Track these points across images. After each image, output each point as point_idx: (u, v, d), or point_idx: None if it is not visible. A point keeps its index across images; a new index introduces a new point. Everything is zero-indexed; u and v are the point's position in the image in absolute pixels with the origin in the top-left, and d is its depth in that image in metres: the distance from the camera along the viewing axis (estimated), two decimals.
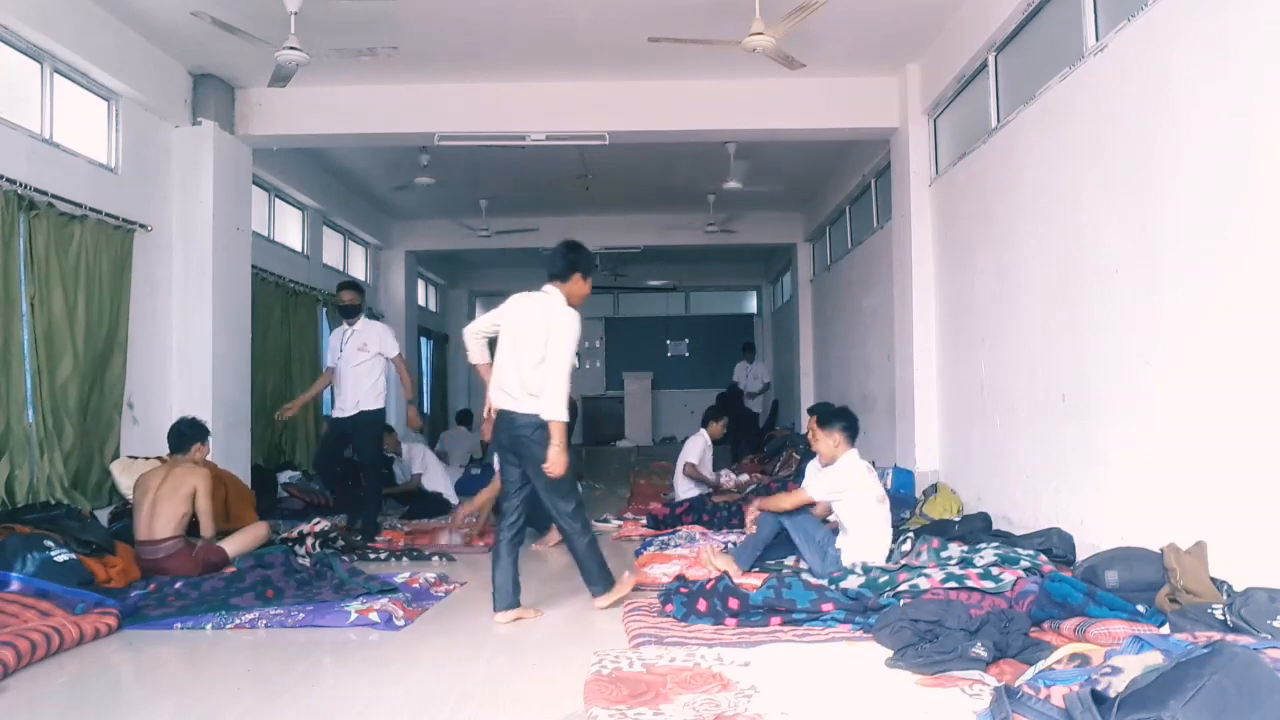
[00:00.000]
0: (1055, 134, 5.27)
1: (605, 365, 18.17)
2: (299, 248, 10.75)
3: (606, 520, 7.42)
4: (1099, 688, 2.30)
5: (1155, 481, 4.23)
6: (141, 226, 6.90)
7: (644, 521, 7.29)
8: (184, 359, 7.37)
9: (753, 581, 4.48)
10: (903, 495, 7.14)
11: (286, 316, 9.83)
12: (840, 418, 5.06)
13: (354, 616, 4.21)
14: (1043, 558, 4.53)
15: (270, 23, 5.92)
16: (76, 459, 6.10)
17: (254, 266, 8.41)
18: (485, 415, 4.52)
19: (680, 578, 4.88)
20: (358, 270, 12.80)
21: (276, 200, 10.15)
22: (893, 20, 6.74)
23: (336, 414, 6.94)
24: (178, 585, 4.69)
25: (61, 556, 4.49)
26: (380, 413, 7.02)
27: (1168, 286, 4.13)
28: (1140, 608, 3.50)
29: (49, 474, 5.77)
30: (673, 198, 12.27)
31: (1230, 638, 2.83)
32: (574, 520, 4.39)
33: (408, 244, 13.87)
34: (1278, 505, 3.43)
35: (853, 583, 4.38)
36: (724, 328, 18.50)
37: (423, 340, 15.61)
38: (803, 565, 5.05)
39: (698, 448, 8.08)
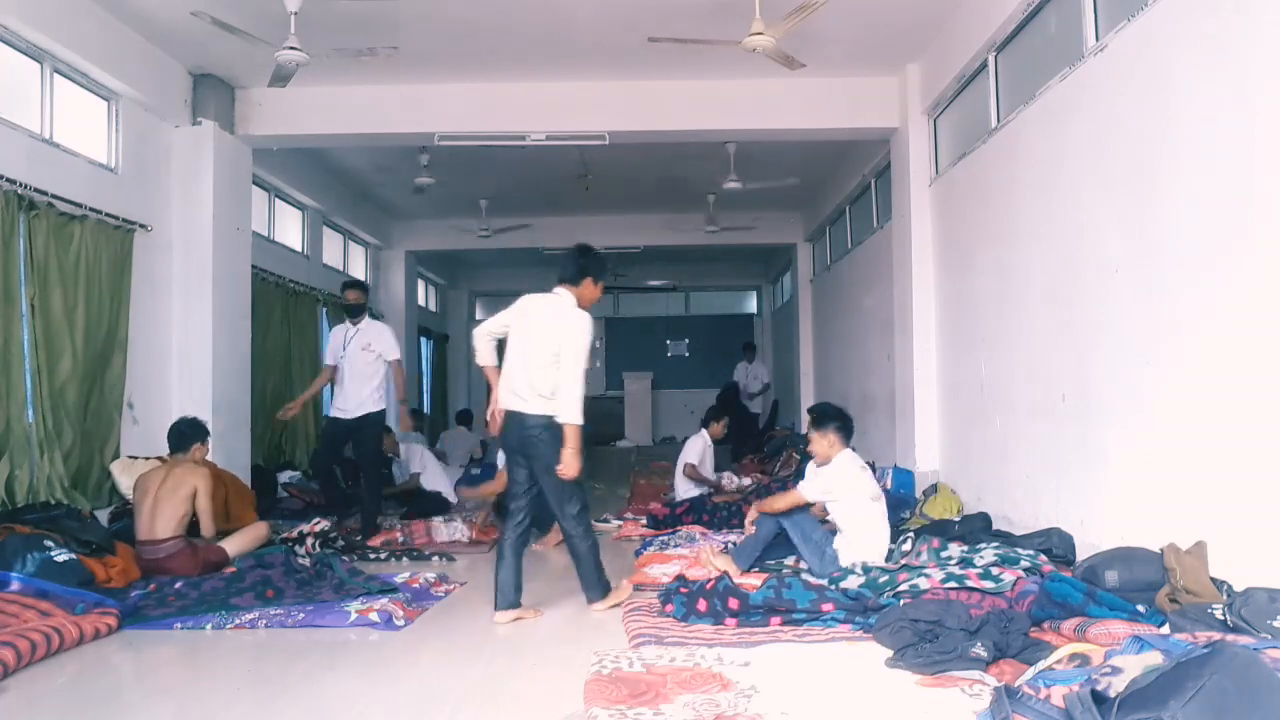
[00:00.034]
0: (1055, 134, 5.27)
1: (605, 365, 18.18)
2: (299, 248, 10.75)
3: (606, 520, 7.41)
4: (1099, 688, 2.30)
5: (1155, 481, 4.23)
6: (141, 226, 6.90)
7: (644, 521, 7.29)
8: (184, 359, 7.37)
9: (753, 581, 4.48)
10: (903, 495, 7.14)
11: (286, 316, 9.83)
12: (835, 418, 5.07)
13: (354, 616, 4.21)
14: (1043, 558, 4.54)
15: (270, 23, 5.92)
16: (76, 459, 6.10)
17: (254, 266, 8.42)
18: (490, 415, 4.51)
19: (680, 578, 4.88)
20: (358, 270, 12.80)
21: (276, 200, 10.15)
22: (893, 20, 6.74)
23: (337, 414, 6.88)
24: (178, 585, 4.69)
25: (61, 556, 4.49)
26: (382, 414, 7.02)
27: (1168, 286, 4.13)
28: (1140, 608, 3.50)
29: (49, 474, 5.77)
30: (673, 198, 12.27)
31: (1230, 638, 2.83)
32: (579, 524, 4.39)
33: (408, 244, 13.87)
34: (1278, 505, 3.43)
35: (853, 583, 4.38)
36: (724, 328, 18.49)
37: (423, 340, 15.61)
38: (803, 565, 5.05)
39: (698, 448, 8.08)
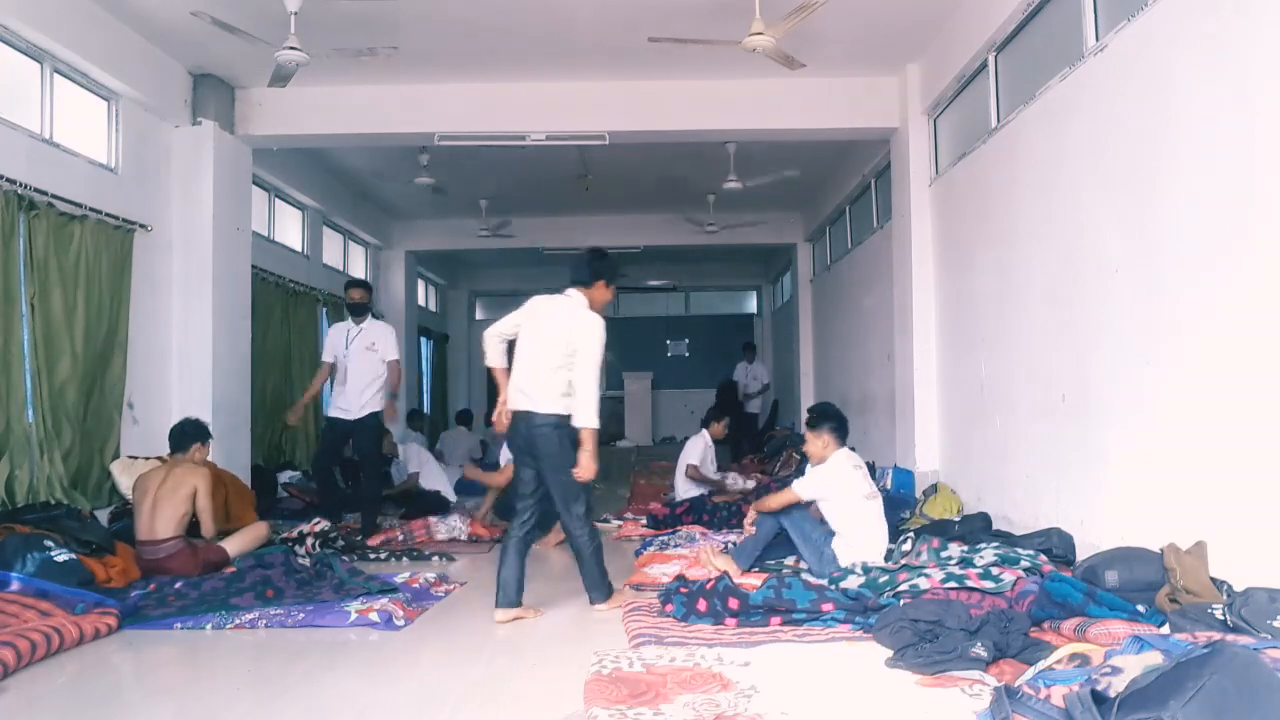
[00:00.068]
0: (1055, 134, 5.27)
1: (605, 365, 18.19)
2: (299, 248, 10.76)
3: (606, 520, 7.41)
4: (1099, 688, 2.30)
5: (1155, 481, 4.23)
6: (141, 226, 6.90)
7: (644, 521, 7.28)
8: (184, 359, 7.37)
9: (753, 581, 4.48)
10: (903, 495, 7.14)
11: (286, 316, 9.84)
12: (828, 419, 5.08)
13: (354, 616, 4.21)
14: (1043, 558, 4.53)
15: (270, 23, 5.92)
16: (76, 459, 6.10)
17: (254, 266, 8.42)
18: (497, 414, 4.51)
19: (680, 578, 4.88)
20: (358, 270, 12.80)
21: (276, 200, 10.15)
22: (893, 20, 6.74)
23: (339, 414, 6.81)
24: (178, 585, 4.68)
25: (61, 556, 4.49)
26: (382, 414, 7.02)
27: (1168, 286, 4.13)
28: (1140, 608, 3.50)
29: (49, 474, 5.77)
30: (673, 198, 12.28)
31: (1230, 638, 2.83)
32: (584, 525, 4.39)
33: (408, 244, 13.88)
34: (1278, 505, 3.43)
35: (853, 583, 4.38)
36: (724, 328, 18.50)
37: (423, 340, 15.61)
38: (803, 565, 5.05)
39: (698, 449, 8.08)
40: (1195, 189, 3.94)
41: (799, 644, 3.63)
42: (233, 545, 5.23)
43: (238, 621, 4.22)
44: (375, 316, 7.20)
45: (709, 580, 4.29)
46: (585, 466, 4.27)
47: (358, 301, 6.94)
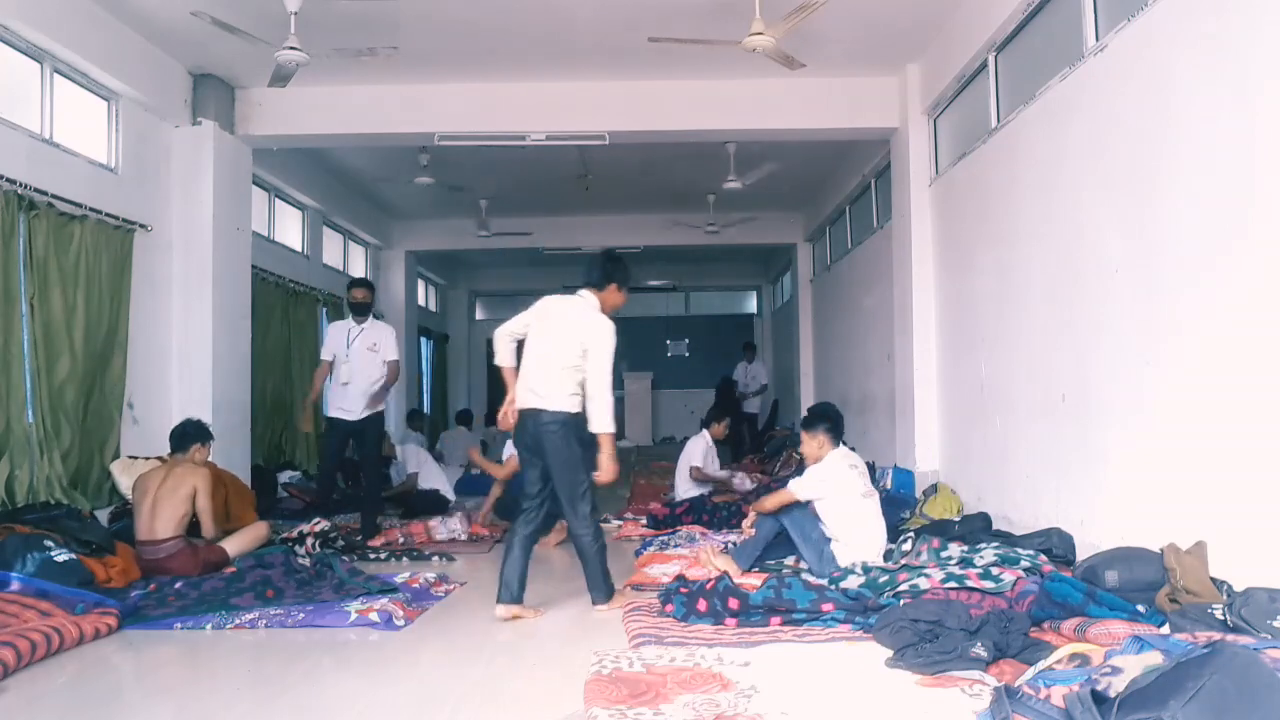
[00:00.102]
0: (1055, 134, 5.27)
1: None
2: (299, 248, 10.76)
3: (607, 520, 7.41)
4: (1099, 688, 2.30)
5: (1155, 481, 4.23)
6: (141, 226, 6.90)
7: (644, 521, 7.28)
8: (184, 359, 7.37)
9: (753, 581, 4.48)
10: (903, 495, 7.14)
11: (286, 316, 9.84)
12: (823, 419, 5.09)
13: (354, 616, 4.20)
14: (1043, 558, 4.54)
15: (270, 23, 5.93)
16: (76, 459, 6.10)
17: (254, 266, 8.42)
18: (503, 411, 4.52)
19: (680, 578, 4.88)
20: (357, 270, 12.80)
21: (276, 200, 10.15)
22: (893, 20, 6.74)
23: (341, 415, 6.74)
24: (178, 585, 4.68)
25: (61, 556, 4.49)
26: (383, 414, 7.00)
27: (1168, 286, 4.13)
28: (1140, 608, 3.50)
29: (48, 474, 5.77)
30: (673, 198, 12.28)
31: (1230, 638, 2.83)
32: (589, 525, 4.40)
33: (408, 244, 13.88)
34: (1278, 505, 3.43)
35: (853, 583, 4.38)
36: (724, 328, 18.51)
37: (423, 340, 15.61)
38: (803, 565, 5.05)
39: (700, 450, 8.06)
40: (1195, 189, 3.94)
41: (799, 644, 3.63)
42: (233, 545, 5.23)
43: (238, 621, 4.22)
44: (376, 317, 7.16)
45: (709, 580, 4.29)
46: (606, 469, 4.32)
47: (361, 301, 6.88)
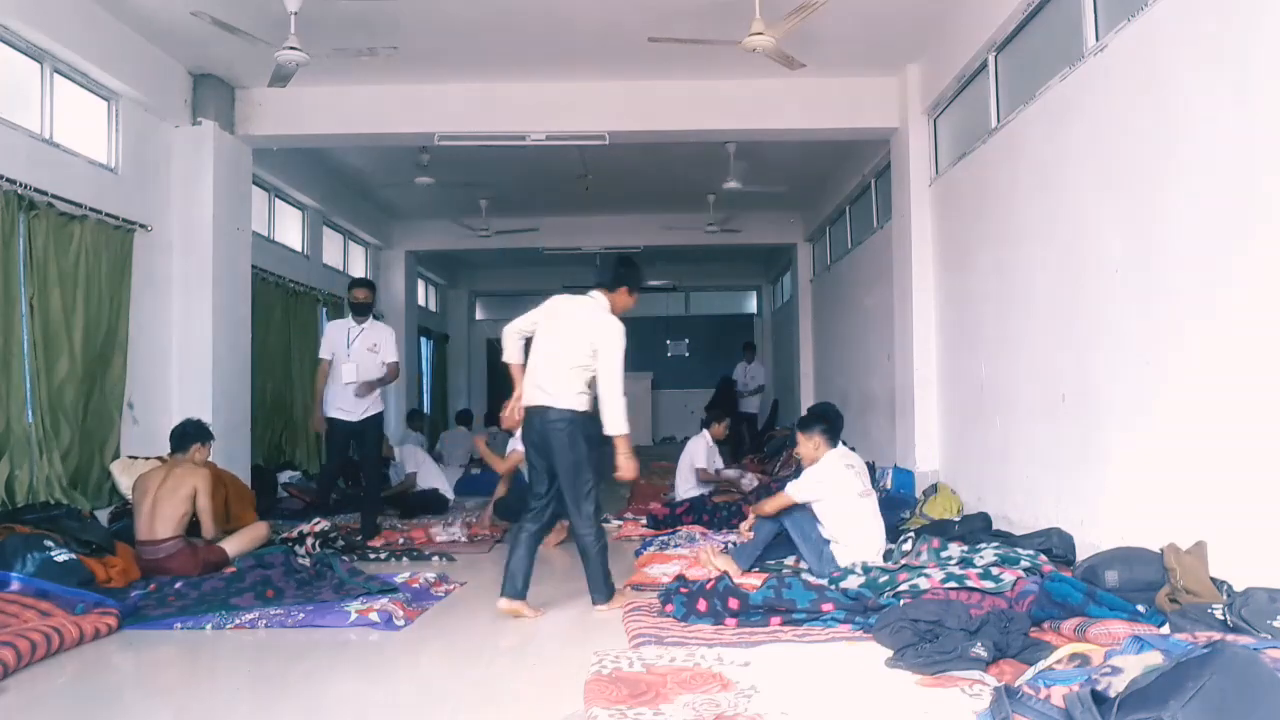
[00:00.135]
0: (1055, 134, 5.27)
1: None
2: (299, 248, 10.76)
3: (607, 520, 7.41)
4: (1099, 688, 2.30)
5: (1155, 481, 4.23)
6: (141, 226, 6.90)
7: (644, 521, 7.29)
8: (184, 359, 7.37)
9: (753, 581, 4.48)
10: (903, 495, 7.15)
11: (287, 316, 9.84)
12: (819, 421, 5.10)
13: (354, 616, 4.21)
14: (1043, 558, 4.54)
15: (270, 23, 5.93)
16: (75, 459, 6.10)
17: (254, 266, 8.42)
18: (510, 408, 4.53)
19: (680, 578, 4.88)
20: (357, 270, 12.80)
21: (276, 200, 10.15)
22: (893, 20, 6.74)
23: (340, 415, 6.70)
24: (178, 585, 4.68)
25: (61, 556, 4.49)
26: (382, 415, 6.99)
27: (1168, 286, 4.13)
28: (1140, 608, 3.50)
29: (48, 474, 5.77)
30: (673, 198, 12.28)
31: (1230, 638, 2.83)
32: (591, 525, 4.40)
33: (408, 244, 13.88)
34: (1278, 505, 3.43)
35: (853, 583, 4.38)
36: (724, 328, 18.51)
37: (423, 340, 15.61)
38: (803, 565, 5.05)
39: (702, 450, 8.06)
40: (1195, 189, 3.94)
41: (799, 644, 3.63)
42: (233, 545, 5.23)
43: (238, 621, 4.22)
44: (376, 317, 7.15)
45: (709, 580, 4.29)
46: (625, 467, 4.36)
47: (362, 302, 6.83)
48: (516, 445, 6.55)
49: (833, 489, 4.89)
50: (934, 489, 6.83)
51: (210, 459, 5.62)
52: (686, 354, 18.90)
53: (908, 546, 5.00)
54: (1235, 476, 3.66)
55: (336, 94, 7.81)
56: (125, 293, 6.67)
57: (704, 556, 5.16)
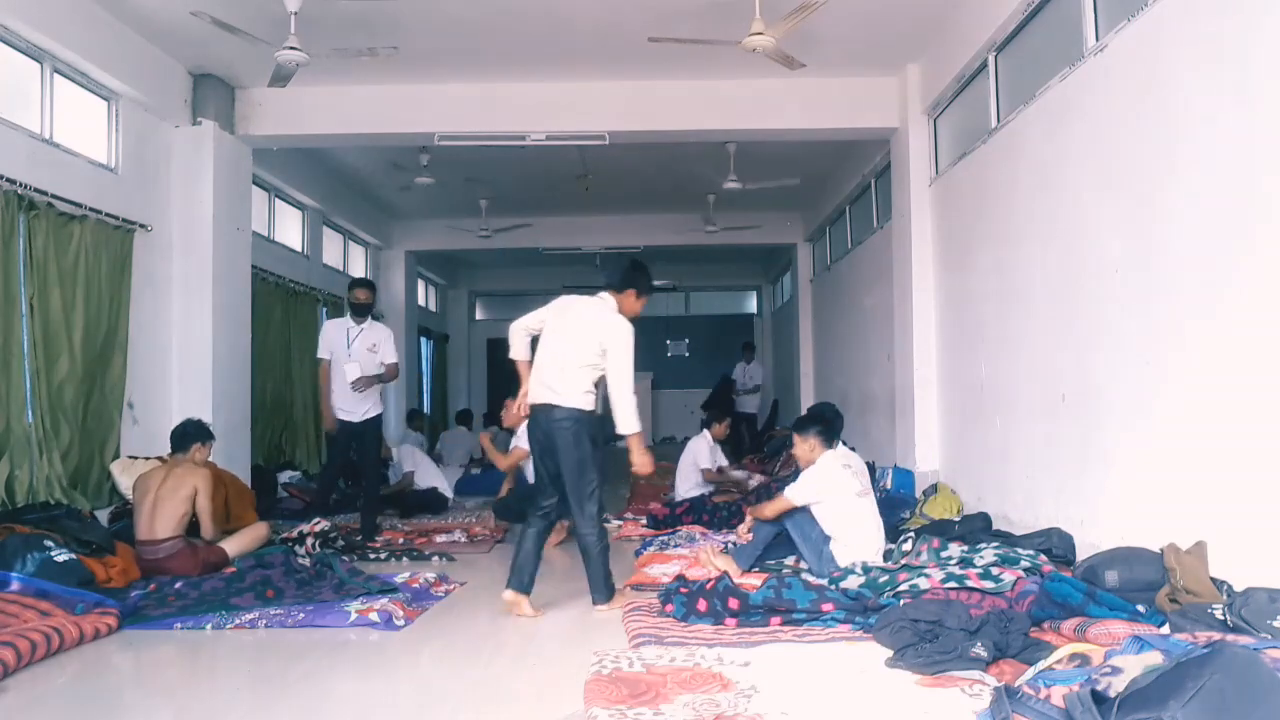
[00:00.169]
0: (1055, 134, 5.27)
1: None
2: (299, 248, 10.75)
3: (607, 520, 7.40)
4: (1099, 688, 2.30)
5: (1155, 481, 4.23)
6: (141, 226, 6.90)
7: (644, 521, 7.29)
8: (184, 359, 7.37)
9: (753, 581, 4.48)
10: (903, 495, 7.14)
11: (286, 316, 9.84)
12: (814, 422, 5.11)
13: (354, 616, 4.21)
14: (1043, 558, 4.54)
15: (270, 23, 5.93)
16: (75, 459, 6.10)
17: (254, 266, 8.42)
18: (517, 404, 4.55)
19: (680, 578, 4.88)
20: (357, 270, 12.80)
21: (276, 200, 10.15)
22: (893, 20, 6.74)
23: (342, 416, 6.66)
24: (178, 585, 4.68)
25: (61, 556, 4.49)
26: (381, 416, 6.99)
27: (1168, 286, 4.13)
28: (1140, 608, 3.50)
29: (48, 474, 5.77)
30: (673, 198, 12.28)
31: (1230, 638, 2.83)
32: (594, 525, 4.41)
33: (408, 244, 13.88)
34: (1278, 505, 3.43)
35: (853, 583, 4.38)
36: (724, 328, 18.50)
37: (423, 340, 15.60)
38: (803, 565, 5.05)
39: (704, 451, 8.05)
40: (1195, 189, 3.94)
41: (799, 644, 3.63)
42: (233, 545, 5.23)
43: (238, 621, 4.22)
44: (375, 318, 7.13)
45: (709, 580, 4.30)
46: (640, 463, 4.41)
47: (363, 302, 6.79)
48: (519, 443, 6.56)
49: (831, 490, 4.89)
50: (934, 489, 6.83)
51: (210, 459, 5.62)
52: (686, 354, 18.89)
53: (908, 546, 5.01)
54: (1235, 476, 3.66)
55: (336, 94, 7.81)
56: (125, 292, 6.66)
57: (704, 556, 5.16)
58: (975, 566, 4.40)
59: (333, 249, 11.95)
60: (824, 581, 4.45)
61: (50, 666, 3.58)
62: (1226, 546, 3.56)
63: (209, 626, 4.18)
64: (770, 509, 5.07)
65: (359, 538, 6.47)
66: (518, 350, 4.55)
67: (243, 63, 7.14)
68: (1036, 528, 5.19)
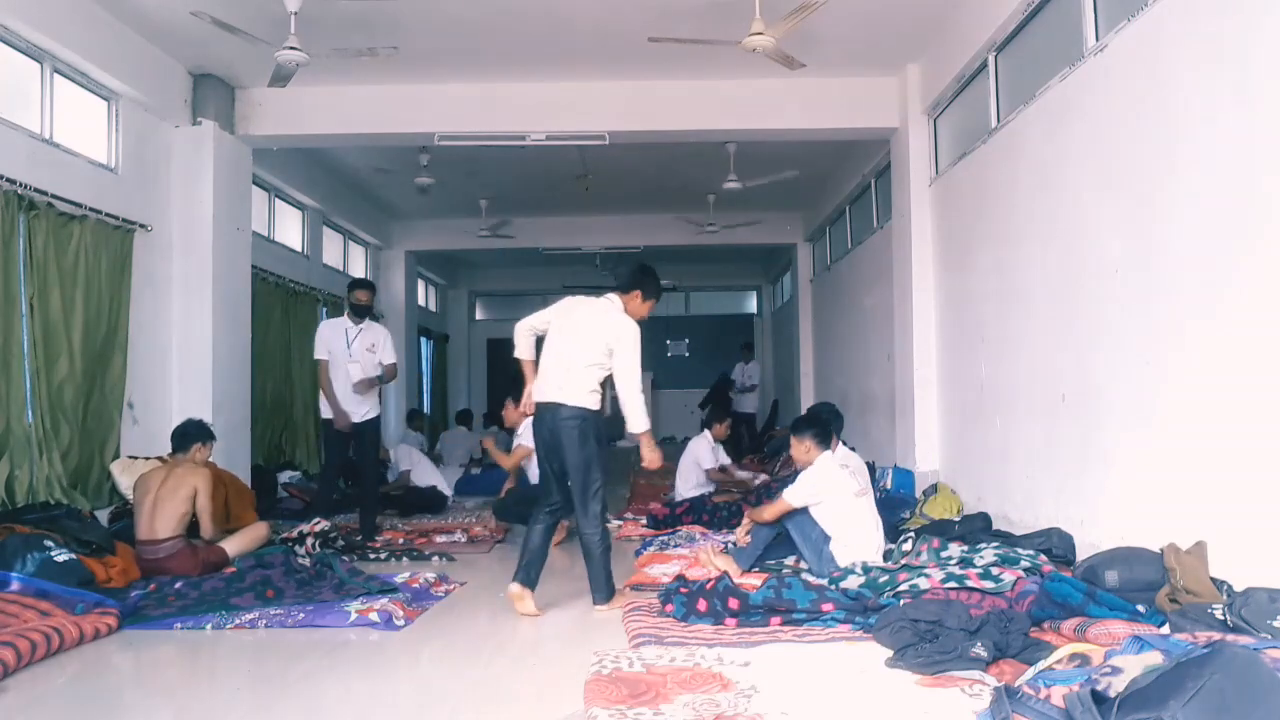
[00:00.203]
0: (1055, 134, 5.27)
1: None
2: (299, 248, 10.75)
3: (608, 520, 7.40)
4: (1099, 688, 2.30)
5: (1155, 481, 4.23)
6: (141, 226, 6.90)
7: (644, 521, 7.29)
8: (184, 359, 7.37)
9: (753, 581, 4.49)
10: (903, 495, 7.14)
11: (286, 316, 9.84)
12: (810, 425, 5.12)
13: (354, 616, 4.21)
14: (1043, 558, 4.54)
15: (270, 23, 5.93)
16: (75, 459, 6.10)
17: (254, 266, 8.42)
18: (524, 401, 4.57)
19: (680, 578, 4.88)
20: (357, 270, 12.80)
21: (276, 200, 10.15)
22: (892, 20, 6.74)
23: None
24: (178, 585, 4.68)
25: (61, 556, 4.49)
26: (380, 417, 6.98)
27: (1168, 287, 4.13)
28: (1140, 608, 3.50)
29: (48, 474, 5.76)
30: (673, 198, 12.27)
31: (1230, 638, 2.83)
32: (597, 525, 4.43)
33: (408, 244, 13.88)
34: (1278, 505, 3.43)
35: (853, 583, 4.38)
36: (724, 328, 18.50)
37: (423, 340, 15.60)
38: (803, 565, 5.05)
39: (705, 451, 8.04)
40: (1195, 189, 3.94)
41: (799, 644, 3.63)
42: (233, 545, 5.23)
43: (238, 621, 4.22)
44: (374, 318, 7.13)
45: (709, 580, 4.30)
46: (650, 459, 4.47)
47: (363, 303, 6.77)
48: (521, 441, 6.56)
49: (828, 491, 4.89)
50: (934, 489, 6.83)
51: (210, 459, 5.62)
52: (686, 354, 18.89)
53: (908, 546, 5.01)
54: (1235, 476, 3.66)
55: (336, 94, 7.81)
56: (125, 292, 6.66)
57: (704, 556, 5.16)
58: (975, 566, 4.40)
59: (333, 249, 11.95)
60: (824, 581, 4.45)
61: (50, 666, 3.58)
62: (1226, 546, 3.56)
63: (209, 626, 4.18)
64: (769, 512, 5.07)
65: (359, 538, 6.48)
66: (522, 350, 4.56)
67: (243, 63, 7.14)
68: (1036, 528, 5.19)
